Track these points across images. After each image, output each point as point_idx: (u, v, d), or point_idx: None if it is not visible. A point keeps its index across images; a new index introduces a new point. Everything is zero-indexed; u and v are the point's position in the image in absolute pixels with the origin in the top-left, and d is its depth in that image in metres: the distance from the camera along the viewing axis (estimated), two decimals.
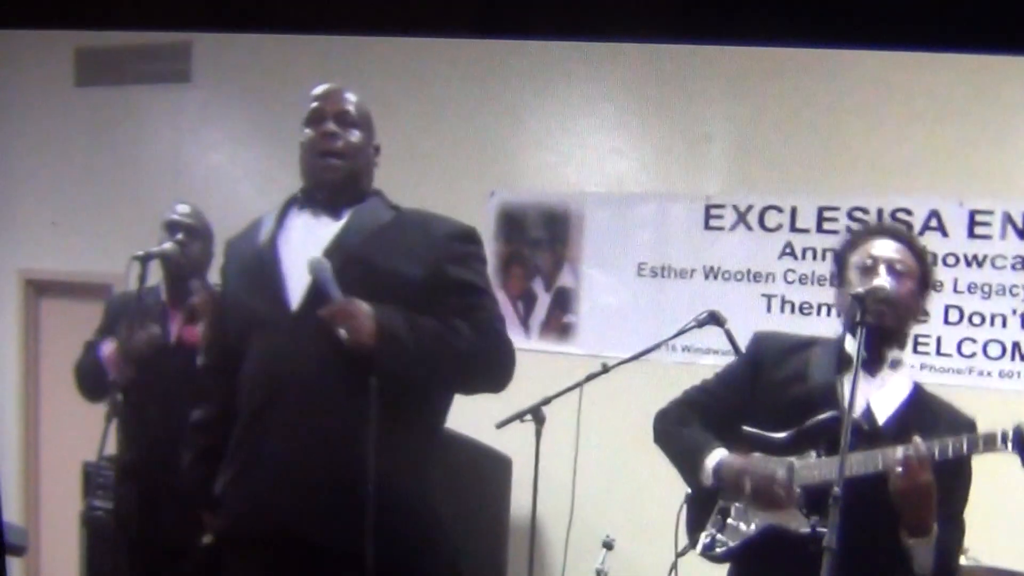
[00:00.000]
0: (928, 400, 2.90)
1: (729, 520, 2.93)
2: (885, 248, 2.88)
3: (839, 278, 2.97)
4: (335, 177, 3.02)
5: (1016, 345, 4.59)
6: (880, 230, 2.98)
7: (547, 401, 4.07)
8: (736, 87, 5.05)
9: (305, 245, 2.97)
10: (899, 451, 2.62)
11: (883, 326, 2.79)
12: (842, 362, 2.88)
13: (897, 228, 3.03)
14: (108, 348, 4.11)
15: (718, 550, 2.95)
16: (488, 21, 2.72)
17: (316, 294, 2.88)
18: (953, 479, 2.69)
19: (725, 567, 3.03)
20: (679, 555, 3.18)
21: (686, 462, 3.03)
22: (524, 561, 4.23)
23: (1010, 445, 2.57)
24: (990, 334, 4.61)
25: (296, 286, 2.94)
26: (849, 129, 4.84)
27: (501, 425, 4.09)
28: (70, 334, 5.94)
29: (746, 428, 2.95)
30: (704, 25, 2.30)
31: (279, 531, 2.86)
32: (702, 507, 3.04)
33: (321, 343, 2.84)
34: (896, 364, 2.89)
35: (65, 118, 6.30)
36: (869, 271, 2.84)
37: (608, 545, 4.26)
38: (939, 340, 4.63)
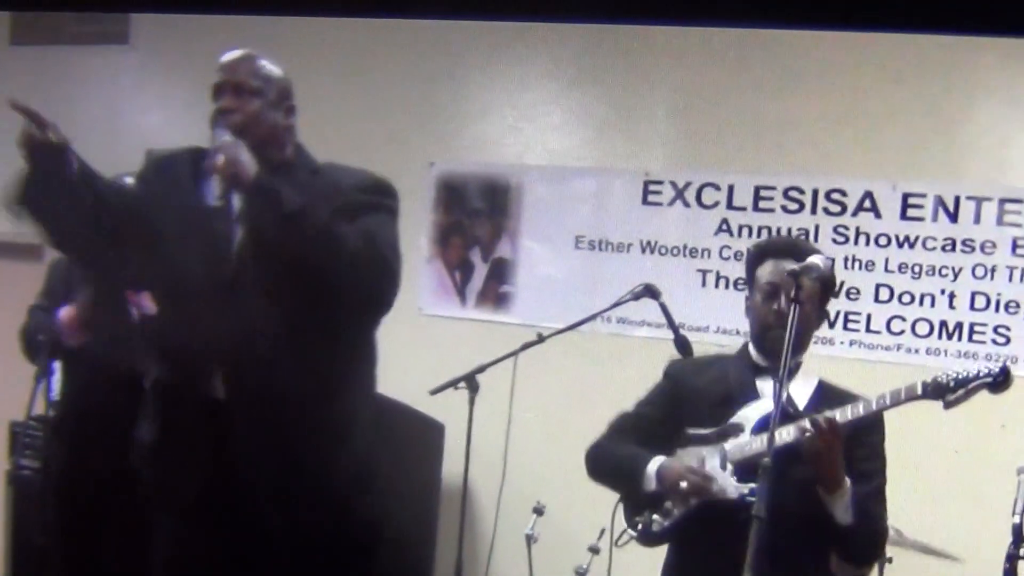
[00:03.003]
0: (833, 390, 3.10)
1: (666, 503, 3.06)
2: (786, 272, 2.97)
3: (749, 290, 3.15)
4: None
5: (943, 324, 4.64)
6: (785, 250, 3.08)
7: (481, 369, 4.07)
8: (677, 66, 5.07)
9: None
10: (807, 421, 2.82)
11: (778, 346, 2.89)
12: (754, 367, 3.10)
13: (801, 246, 3.15)
14: (66, 312, 4.01)
15: (654, 529, 3.08)
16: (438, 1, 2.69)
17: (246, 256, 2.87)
18: (862, 441, 2.92)
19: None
20: (617, 544, 3.22)
21: (626, 476, 3.14)
22: (455, 526, 4.23)
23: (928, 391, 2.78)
24: (919, 313, 4.67)
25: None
26: (786, 111, 4.88)
27: (436, 392, 4.08)
28: (1, 294, 5.85)
29: (687, 429, 3.11)
30: (649, 5, 2.31)
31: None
32: (637, 501, 3.17)
33: (258, 306, 2.84)
34: (798, 367, 3.07)
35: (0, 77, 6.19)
36: (770, 297, 3.02)
37: (539, 511, 4.26)
38: (869, 317, 4.70)
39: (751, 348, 3.13)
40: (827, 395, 3.05)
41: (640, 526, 3.11)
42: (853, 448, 2.88)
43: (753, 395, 3.05)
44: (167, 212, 2.98)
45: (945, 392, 2.75)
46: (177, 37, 5.89)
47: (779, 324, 2.92)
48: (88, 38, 6.02)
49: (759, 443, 2.89)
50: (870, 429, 2.94)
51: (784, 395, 2.91)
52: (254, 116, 2.95)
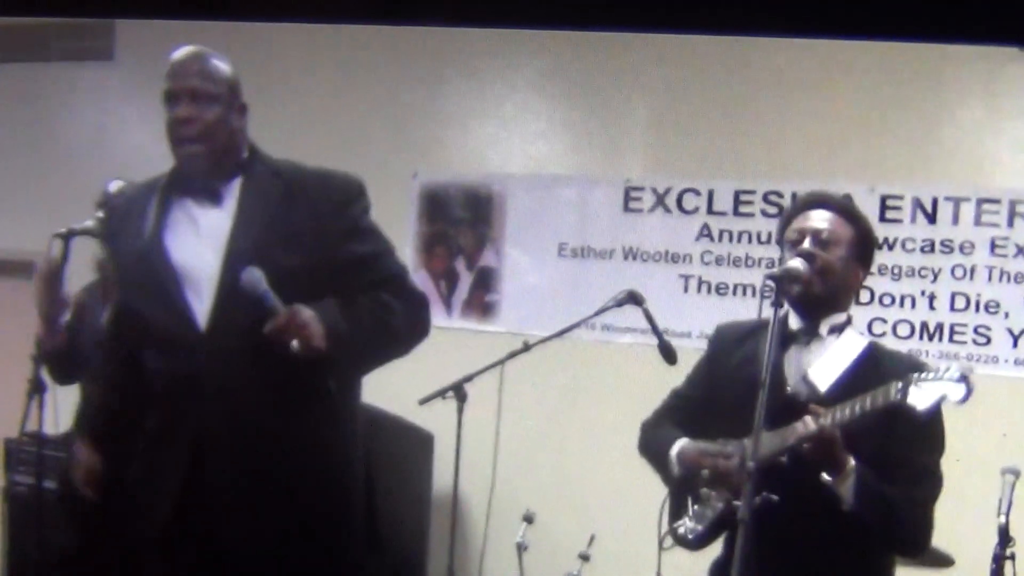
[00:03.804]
0: (882, 357, 2.95)
1: (696, 507, 2.99)
2: (813, 219, 2.90)
3: (781, 256, 2.99)
4: (199, 165, 2.89)
5: (924, 325, 4.70)
6: (810, 202, 2.97)
7: (469, 378, 4.09)
8: (656, 73, 5.12)
9: (197, 248, 2.89)
10: (798, 427, 2.69)
11: (808, 296, 2.83)
12: (787, 339, 2.90)
13: (827, 196, 3.02)
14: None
15: (689, 537, 3.00)
16: (417, 7, 2.69)
17: (223, 311, 2.83)
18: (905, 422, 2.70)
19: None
20: (662, 548, 3.12)
21: (659, 460, 3.08)
22: (446, 535, 4.26)
23: (902, 395, 2.61)
24: (899, 314, 4.73)
25: (198, 302, 2.86)
26: (765, 115, 4.93)
27: (424, 402, 4.10)
28: None
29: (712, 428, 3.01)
30: (631, 12, 2.32)
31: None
32: (677, 503, 3.10)
33: (236, 361, 2.81)
34: (837, 329, 2.93)
35: None
36: (797, 244, 2.88)
37: (528, 519, 4.30)
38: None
39: (790, 316, 2.93)
40: (868, 367, 2.87)
41: (678, 531, 3.04)
42: (896, 427, 2.70)
43: (776, 380, 2.79)
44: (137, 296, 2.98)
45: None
46: (162, 53, 5.89)
47: (793, 277, 2.80)
48: (73, 54, 6.05)
49: (772, 441, 2.74)
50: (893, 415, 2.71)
51: (798, 377, 2.85)
52: (215, 124, 2.87)
